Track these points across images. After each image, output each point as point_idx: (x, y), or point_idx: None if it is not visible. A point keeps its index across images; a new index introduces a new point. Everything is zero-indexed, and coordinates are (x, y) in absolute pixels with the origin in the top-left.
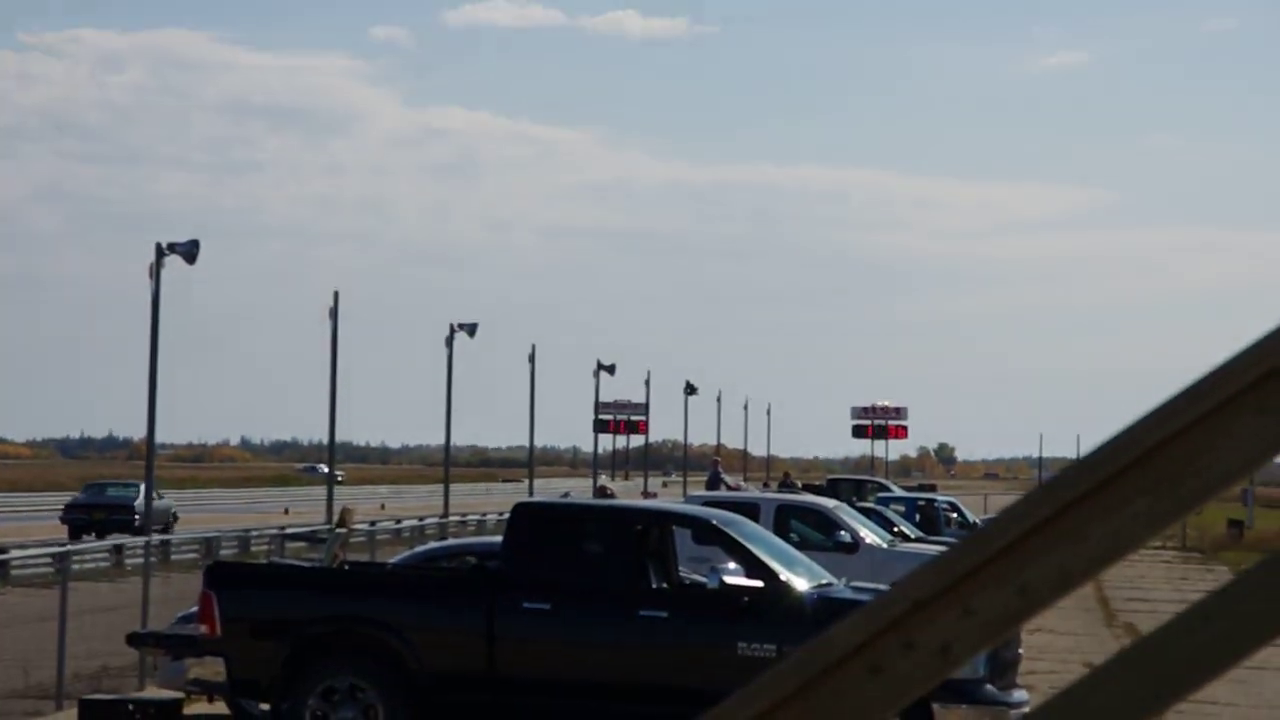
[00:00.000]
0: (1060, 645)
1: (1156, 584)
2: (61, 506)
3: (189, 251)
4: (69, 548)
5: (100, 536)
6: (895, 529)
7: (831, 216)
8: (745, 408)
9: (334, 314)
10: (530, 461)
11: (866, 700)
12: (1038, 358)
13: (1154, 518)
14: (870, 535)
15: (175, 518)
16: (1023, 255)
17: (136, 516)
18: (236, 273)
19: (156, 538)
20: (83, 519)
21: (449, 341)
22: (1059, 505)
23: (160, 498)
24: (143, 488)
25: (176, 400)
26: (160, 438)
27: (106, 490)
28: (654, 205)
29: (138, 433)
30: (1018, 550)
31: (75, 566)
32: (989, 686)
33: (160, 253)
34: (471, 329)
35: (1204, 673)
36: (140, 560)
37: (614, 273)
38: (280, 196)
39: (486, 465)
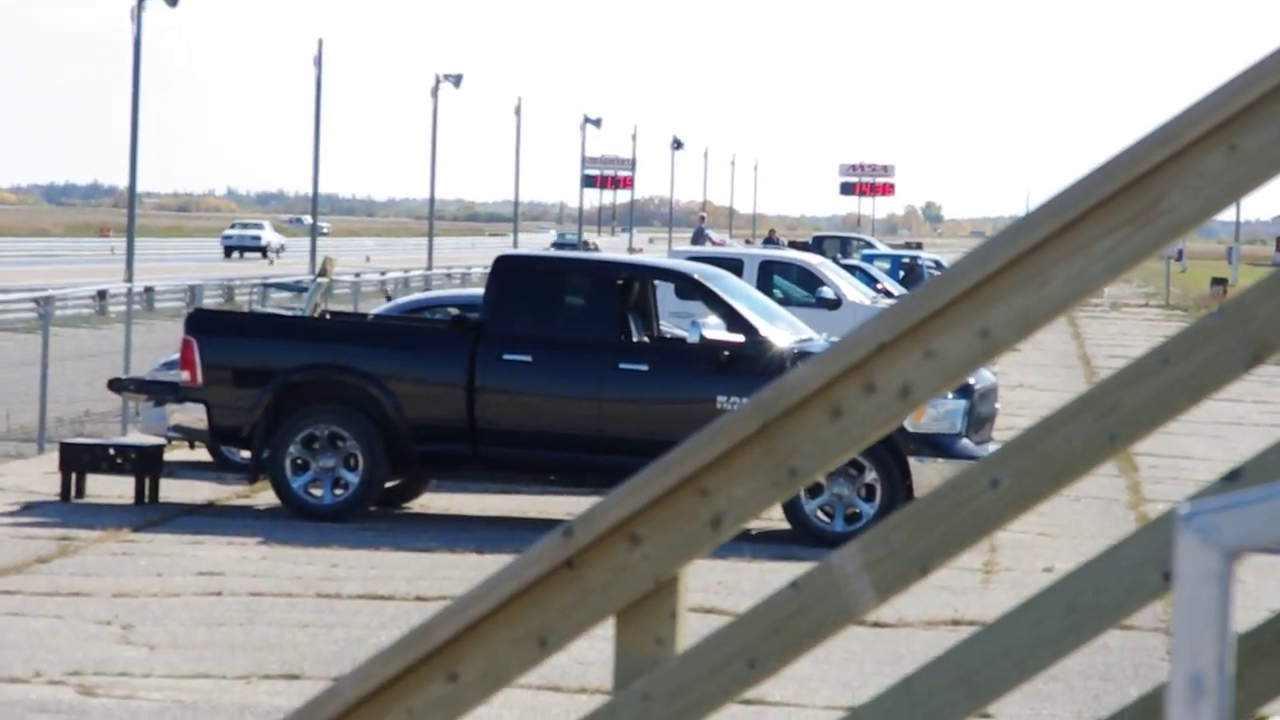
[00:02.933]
0: (1040, 401)
1: (1137, 341)
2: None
3: None
4: (51, 292)
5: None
6: (879, 285)
7: None
8: (733, 164)
9: (318, 62)
10: (515, 215)
11: (827, 441)
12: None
13: (1117, 259)
14: (853, 291)
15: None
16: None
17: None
18: (221, 18)
19: (139, 284)
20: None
21: (434, 92)
22: (1022, 248)
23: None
24: (267, 226)
25: (162, 149)
26: (145, 186)
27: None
28: None
29: (123, 180)
30: (980, 293)
31: (58, 312)
32: (965, 440)
33: None
34: (457, 80)
35: (1161, 415)
36: (123, 307)
37: (603, 25)
38: None
39: (474, 219)
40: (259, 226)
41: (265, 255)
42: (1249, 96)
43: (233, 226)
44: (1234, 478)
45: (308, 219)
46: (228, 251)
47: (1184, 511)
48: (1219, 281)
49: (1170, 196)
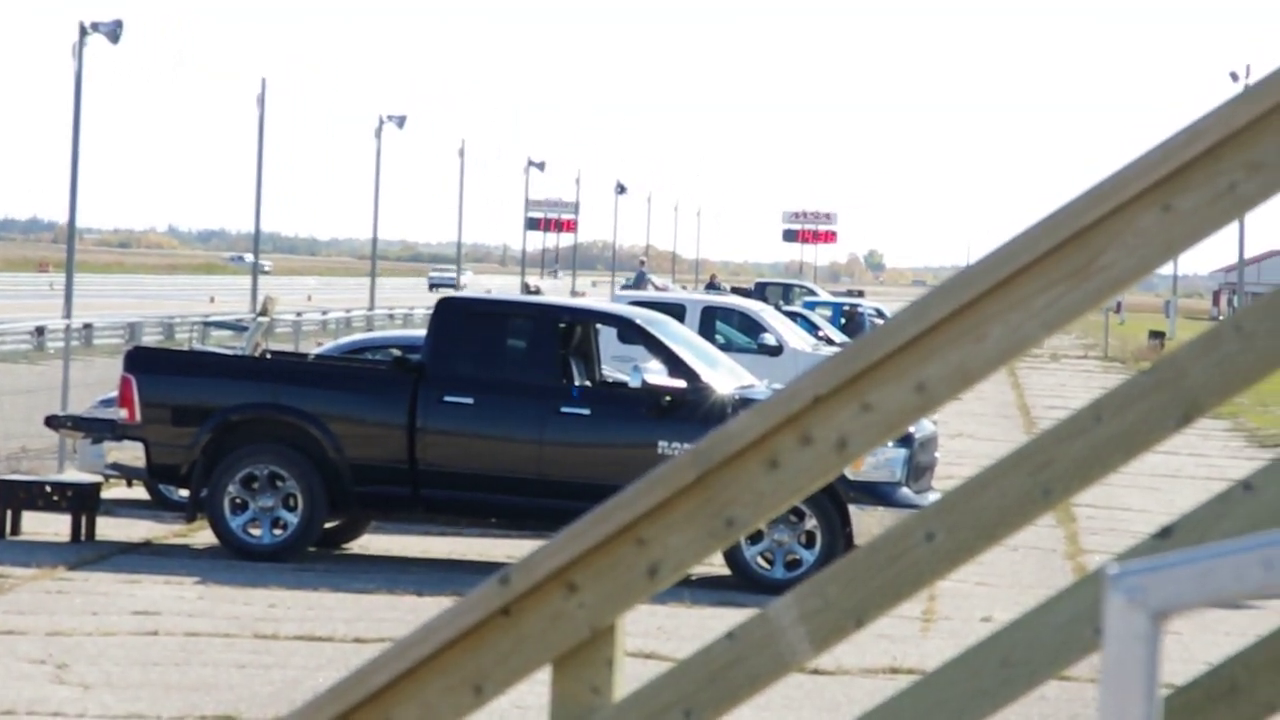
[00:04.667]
0: (979, 450)
1: (1076, 392)
2: None
3: (112, 31)
4: None
5: None
6: (820, 333)
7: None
8: (676, 209)
9: (261, 101)
10: (459, 258)
11: (764, 492)
12: (969, 168)
13: (1053, 316)
14: (795, 338)
15: None
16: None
17: None
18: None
19: (78, 321)
20: None
21: (378, 133)
22: (959, 303)
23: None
24: (469, 273)
25: (103, 185)
26: (86, 223)
27: None
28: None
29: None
30: (917, 347)
31: None
32: (905, 489)
33: (83, 31)
34: (400, 121)
35: (1094, 471)
36: (61, 343)
37: (547, 69)
38: None
39: (417, 260)
40: (461, 273)
41: None
42: (1183, 157)
43: (434, 270)
44: (1165, 535)
45: (249, 257)
46: (432, 287)
47: (1112, 572)
48: (1157, 335)
49: (1107, 254)
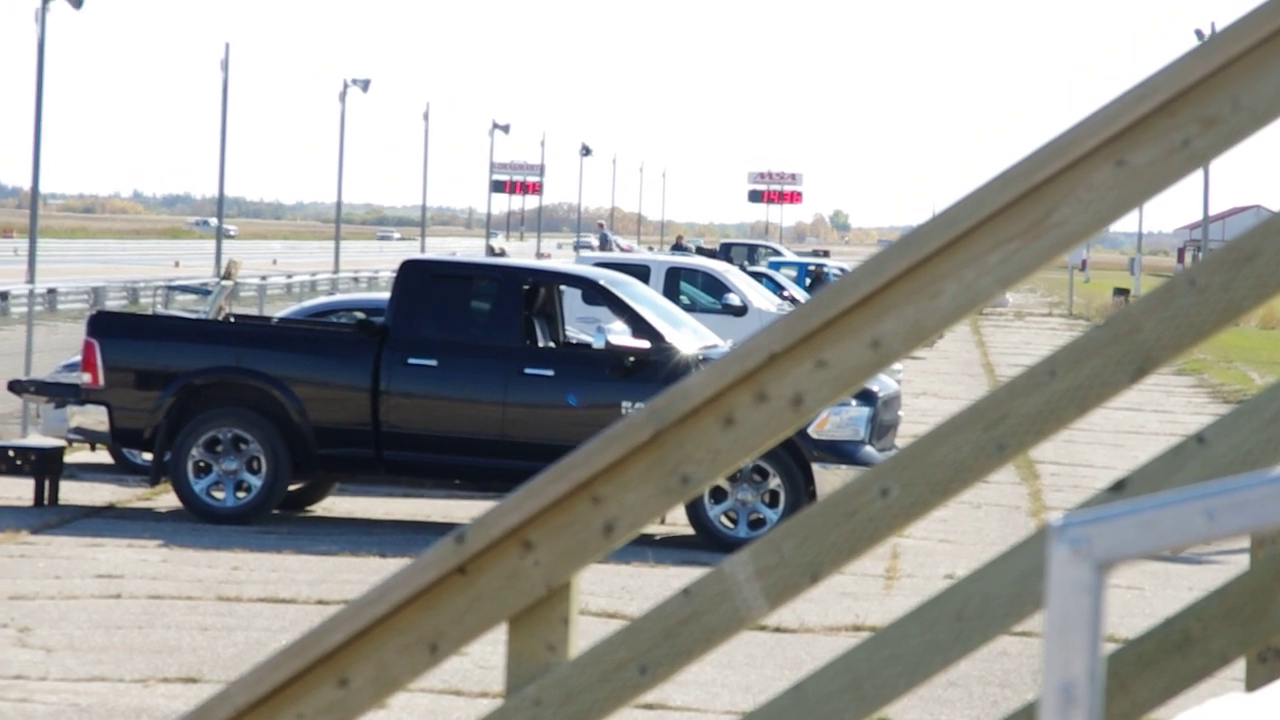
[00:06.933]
0: (943, 409)
1: (1040, 349)
2: None
3: None
4: None
5: None
6: (785, 293)
7: None
8: (641, 171)
9: (225, 65)
10: (423, 220)
11: (719, 449)
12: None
13: (1007, 272)
14: (760, 298)
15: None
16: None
17: None
18: (129, 20)
19: (42, 285)
20: None
21: (342, 97)
22: (913, 260)
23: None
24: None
25: (67, 151)
26: (50, 188)
27: None
28: None
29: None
30: (871, 304)
31: None
32: (869, 448)
33: None
34: (365, 84)
35: (1048, 426)
36: (25, 308)
37: (512, 31)
38: None
39: (383, 224)
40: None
41: None
42: (1137, 112)
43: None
44: (1119, 488)
45: (214, 221)
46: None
47: (1056, 523)
48: (1121, 292)
49: (1060, 210)
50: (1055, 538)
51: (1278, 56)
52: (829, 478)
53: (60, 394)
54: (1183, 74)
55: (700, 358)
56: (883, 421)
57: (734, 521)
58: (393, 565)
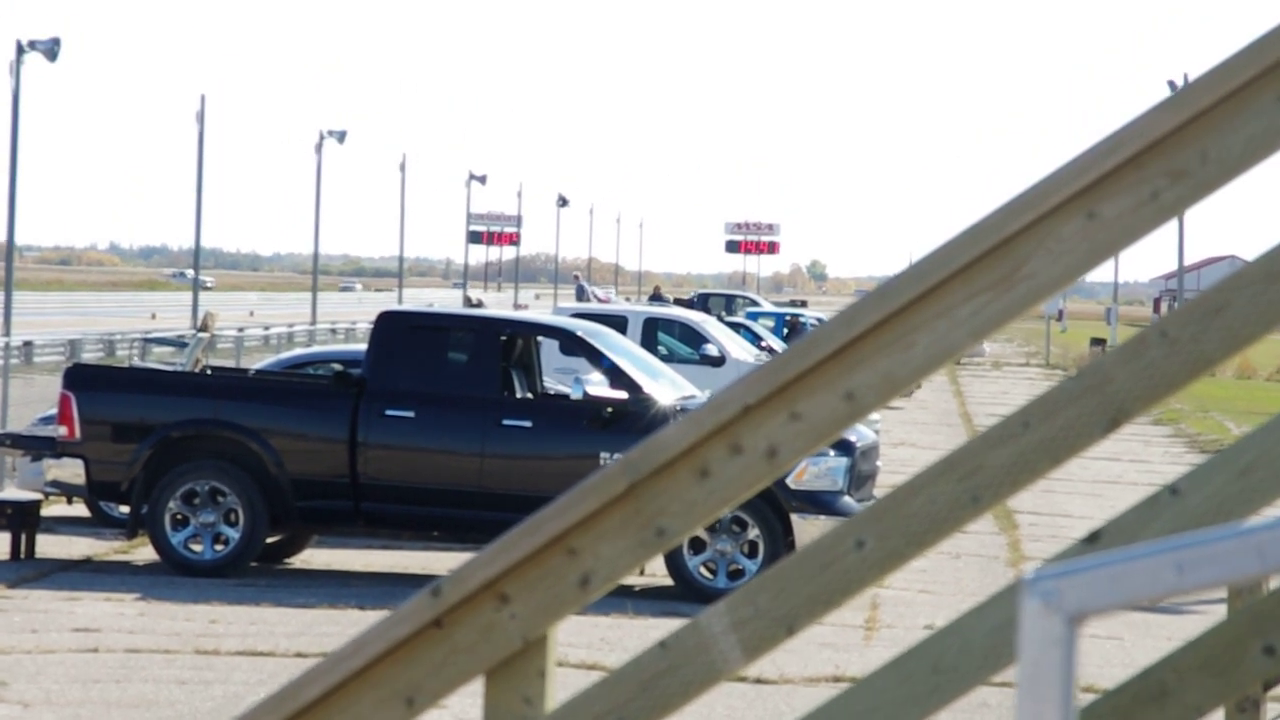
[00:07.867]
0: (922, 459)
1: (1018, 400)
2: None
3: (50, 49)
4: None
5: None
6: (763, 343)
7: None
8: (618, 222)
9: (201, 117)
10: (400, 271)
11: (694, 501)
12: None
13: (979, 324)
14: (738, 349)
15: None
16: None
17: None
18: (104, 73)
19: (18, 338)
20: None
21: (318, 148)
22: (886, 312)
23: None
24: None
25: (43, 203)
26: (26, 240)
27: None
28: (530, 10)
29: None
30: (845, 356)
31: None
32: (847, 498)
33: (20, 50)
34: (341, 136)
35: (1023, 477)
36: (0, 361)
37: (488, 82)
38: None
39: (360, 275)
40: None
41: None
42: (1106, 165)
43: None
44: (1094, 540)
45: (191, 273)
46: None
47: (1027, 577)
48: (1098, 341)
49: (1031, 262)
50: (1026, 591)
51: (1245, 110)
52: (808, 528)
53: (36, 447)
54: (1151, 127)
55: (678, 408)
56: (861, 471)
57: (713, 572)
58: (371, 618)
